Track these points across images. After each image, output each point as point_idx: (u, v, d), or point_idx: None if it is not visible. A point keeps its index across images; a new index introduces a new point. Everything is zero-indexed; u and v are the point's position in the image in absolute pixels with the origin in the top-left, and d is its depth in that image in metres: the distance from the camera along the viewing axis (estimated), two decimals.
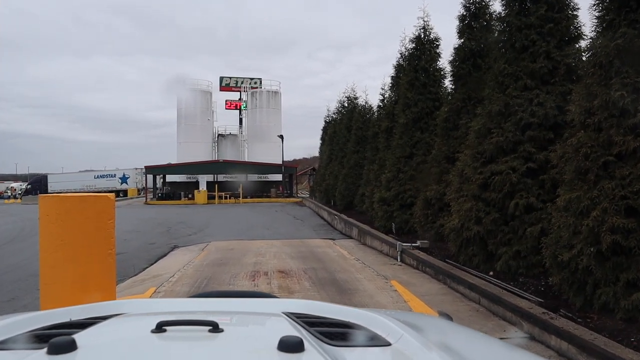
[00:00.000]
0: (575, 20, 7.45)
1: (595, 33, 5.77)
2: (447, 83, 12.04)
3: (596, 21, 5.71)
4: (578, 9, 7.48)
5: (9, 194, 56.23)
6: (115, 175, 55.33)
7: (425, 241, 10.28)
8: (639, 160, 4.85)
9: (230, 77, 56.02)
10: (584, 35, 7.31)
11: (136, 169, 54.77)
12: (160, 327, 1.26)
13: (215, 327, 1.25)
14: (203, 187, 41.66)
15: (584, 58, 6.76)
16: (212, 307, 1.79)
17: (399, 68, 14.95)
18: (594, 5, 5.70)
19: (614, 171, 5.02)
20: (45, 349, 1.08)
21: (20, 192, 57.42)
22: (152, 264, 11.27)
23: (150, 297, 7.47)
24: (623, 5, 5.34)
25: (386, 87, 16.37)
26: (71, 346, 1.08)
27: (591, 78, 5.57)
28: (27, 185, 59.64)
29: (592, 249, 4.92)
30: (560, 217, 5.51)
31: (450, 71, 10.56)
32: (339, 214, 19.00)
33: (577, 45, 7.41)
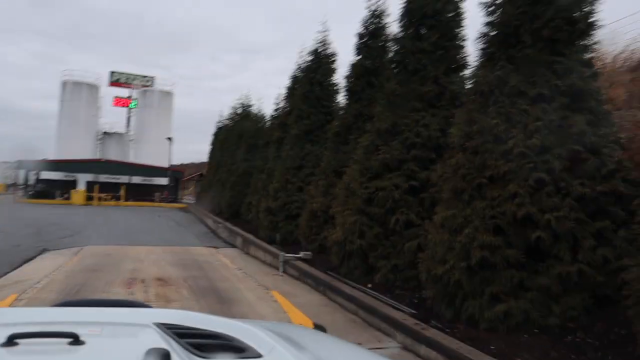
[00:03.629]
0: (462, 50, 7.95)
1: (478, 63, 6.19)
2: (341, 98, 12.34)
3: (480, 52, 6.13)
4: (466, 39, 8.00)
5: None
6: None
7: (309, 252, 10.35)
8: (508, 183, 5.23)
9: (121, 73, 53.52)
10: (469, 64, 7.82)
11: (6, 162, 50.21)
12: (11, 340, 1.14)
13: (75, 340, 1.17)
14: (82, 186, 39.11)
15: (467, 86, 7.22)
16: (75, 317, 1.64)
17: (295, 80, 15.09)
18: (479, 38, 6.13)
19: (486, 192, 5.37)
20: None
21: None
22: (15, 268, 10.24)
23: (10, 305, 6.77)
24: (503, 41, 5.78)
25: (281, 97, 16.45)
26: None
27: (472, 104, 5.95)
28: None
29: (463, 264, 5.21)
30: (436, 233, 5.79)
31: (345, 86, 10.82)
32: (224, 222, 18.68)
33: (461, 73, 7.90)
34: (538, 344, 4.69)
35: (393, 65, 8.41)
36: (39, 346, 1.17)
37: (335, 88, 12.80)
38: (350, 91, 10.57)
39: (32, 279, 8.86)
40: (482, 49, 6.12)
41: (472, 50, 7.67)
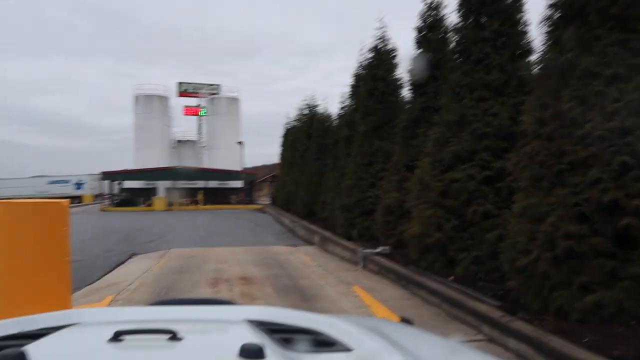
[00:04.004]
0: (526, 35, 7.78)
1: (544, 47, 6.05)
2: (406, 92, 12.30)
3: (545, 36, 5.99)
4: (529, 24, 7.82)
5: None
6: (69, 181, 53.80)
7: (387, 247, 10.42)
8: (589, 168, 5.09)
9: (188, 83, 55.40)
10: (534, 49, 7.64)
11: (92, 174, 53.32)
12: (117, 337, 1.24)
13: (174, 336, 1.24)
14: (162, 193, 40.94)
15: (534, 71, 7.06)
16: (171, 315, 1.76)
17: (358, 77, 15.15)
18: (543, 21, 5.98)
19: (567, 179, 5.26)
20: None
21: None
22: (109, 272, 11.03)
23: (109, 305, 7.34)
24: (569, 22, 5.63)
25: (346, 96, 16.55)
26: (21, 358, 1.06)
27: (542, 90, 5.82)
28: None
29: (548, 254, 5.12)
30: (517, 223, 5.72)
31: (409, 81, 10.79)
32: (300, 221, 19.02)
33: (527, 59, 7.72)
34: (636, 336, 4.49)
35: (456, 56, 8.34)
36: (142, 342, 1.26)
37: (399, 83, 12.76)
38: (415, 85, 10.53)
39: (125, 281, 9.50)
40: (548, 33, 5.96)
41: (536, 35, 7.49)
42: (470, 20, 8.01)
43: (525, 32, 7.78)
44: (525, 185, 5.76)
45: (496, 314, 5.48)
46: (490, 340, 5.35)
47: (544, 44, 6.05)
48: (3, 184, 54.06)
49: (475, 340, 5.38)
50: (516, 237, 5.67)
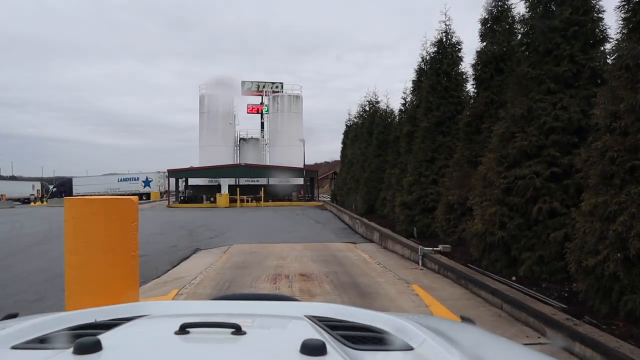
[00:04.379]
0: (600, 23, 7.36)
1: (621, 35, 5.69)
2: (469, 87, 12.00)
3: (622, 22, 5.63)
4: (603, 11, 7.38)
5: (35, 196, 57.37)
6: (138, 179, 56.16)
7: (447, 245, 10.21)
8: None
9: (251, 82, 56.40)
10: (610, 38, 7.22)
11: (159, 172, 55.49)
12: (183, 329, 1.27)
13: (238, 330, 1.26)
14: (225, 190, 41.95)
15: (609, 61, 6.67)
16: (234, 309, 1.79)
17: (420, 72, 14.91)
18: (620, 7, 5.62)
19: None
20: (71, 349, 1.10)
21: (46, 194, 58.55)
22: (174, 266, 11.39)
23: (173, 299, 7.55)
24: None
25: (408, 91, 16.34)
26: (96, 346, 1.09)
27: (617, 81, 5.49)
28: (53, 188, 60.81)
29: (619, 255, 4.84)
30: (585, 222, 5.44)
31: (473, 75, 10.51)
32: (360, 217, 18.97)
33: (602, 48, 7.31)
34: None
35: (523, 48, 8.02)
36: (207, 335, 1.28)
37: (463, 77, 12.46)
38: (479, 79, 10.25)
39: (189, 276, 9.76)
40: (625, 19, 5.60)
41: (612, 22, 7.06)
42: (538, 9, 7.68)
43: (599, 20, 7.37)
44: (595, 183, 5.47)
45: (561, 316, 5.22)
46: (554, 344, 5.10)
47: (620, 32, 5.69)
48: (78, 181, 57.20)
49: (538, 344, 5.15)
50: (584, 237, 5.39)
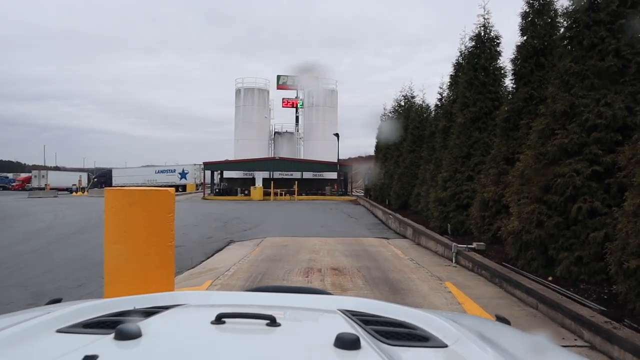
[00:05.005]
0: None
1: None
2: (508, 82, 11.75)
3: None
4: None
5: (76, 186, 59.10)
6: (175, 171, 57.17)
7: (482, 243, 10.06)
8: None
9: (287, 76, 56.60)
10: None
11: (195, 164, 56.37)
12: (219, 319, 1.29)
13: (272, 321, 1.27)
14: (259, 183, 42.30)
15: None
16: (268, 301, 1.81)
17: (458, 67, 14.68)
18: None
19: None
20: (112, 335, 1.13)
21: (87, 185, 60.31)
22: (208, 257, 11.56)
23: (207, 289, 7.65)
24: None
25: (444, 86, 16.12)
26: (137, 333, 1.12)
27: None
28: (94, 178, 62.53)
29: None
30: (628, 222, 5.25)
31: (512, 70, 10.26)
32: (393, 213, 18.86)
33: None
34: None
35: (565, 42, 7.79)
36: (242, 325, 1.30)
37: (501, 72, 12.20)
38: (518, 74, 10.00)
39: (223, 267, 9.89)
40: None
41: None
42: (583, 2, 7.43)
43: None
44: None
45: (600, 319, 5.07)
46: (592, 347, 4.96)
47: None
48: (118, 172, 58.63)
49: (574, 346, 5.02)
50: (627, 238, 5.21)
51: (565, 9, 7.88)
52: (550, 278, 7.11)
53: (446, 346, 1.27)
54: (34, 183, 59.39)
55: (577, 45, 7.45)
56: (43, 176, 60.92)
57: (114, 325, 1.17)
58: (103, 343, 1.11)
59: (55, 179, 61.55)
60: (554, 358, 1.46)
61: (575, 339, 5.24)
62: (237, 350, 1.15)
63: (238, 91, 54.92)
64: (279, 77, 56.38)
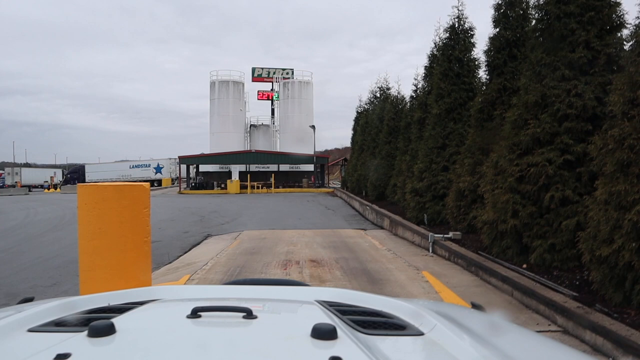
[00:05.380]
0: (617, 8, 7.21)
1: (639, 21, 5.58)
2: (482, 73, 11.87)
3: None
4: None
5: (49, 183, 58.02)
6: (149, 165, 56.52)
7: (458, 233, 10.20)
8: None
9: (262, 68, 56.28)
10: (627, 23, 7.08)
11: (170, 159, 55.80)
12: (195, 313, 1.29)
13: (249, 314, 1.27)
14: (235, 177, 42.14)
15: (626, 47, 6.56)
16: (245, 294, 1.81)
17: (432, 58, 14.78)
18: None
19: None
20: (85, 332, 1.12)
21: (59, 181, 59.25)
22: (186, 252, 11.49)
23: (185, 284, 7.61)
24: None
25: (419, 78, 16.22)
26: (110, 329, 1.12)
27: (635, 67, 5.40)
28: (67, 174, 61.44)
29: (634, 244, 4.79)
30: (599, 210, 5.39)
31: (485, 61, 10.37)
32: (370, 204, 18.97)
33: (618, 34, 7.18)
34: None
35: (537, 34, 7.90)
36: (219, 319, 1.30)
37: (475, 63, 12.32)
38: (491, 65, 10.12)
39: (201, 261, 9.84)
40: None
41: (630, 7, 6.91)
42: None
43: (616, 5, 7.21)
44: (611, 171, 5.39)
45: (572, 304, 5.21)
46: (565, 331, 5.10)
47: (638, 17, 5.59)
48: (91, 168, 57.74)
49: (548, 331, 5.15)
50: (598, 226, 5.34)
51: (537, 1, 7.99)
52: (524, 266, 7.26)
53: (423, 334, 1.28)
54: (8, 181, 58.21)
55: (548, 37, 7.57)
56: (17, 173, 59.76)
57: (87, 323, 1.16)
58: (76, 341, 1.10)
59: (29, 176, 60.42)
60: (528, 342, 1.49)
61: (549, 324, 5.38)
62: (213, 344, 1.15)
63: (212, 84, 54.40)
64: (254, 69, 56.01)
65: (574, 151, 6.90)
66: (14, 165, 68.86)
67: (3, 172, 64.77)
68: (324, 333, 1.10)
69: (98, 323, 1.13)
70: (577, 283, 6.15)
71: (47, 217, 20.77)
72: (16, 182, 56.30)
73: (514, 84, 9.13)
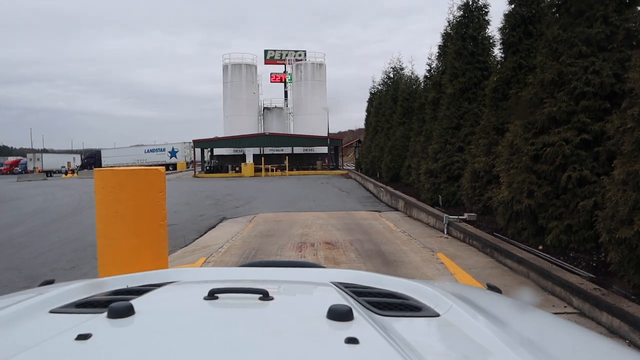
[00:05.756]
0: None
1: None
2: (497, 52, 11.68)
3: None
4: None
5: (66, 168, 58.76)
6: (164, 150, 56.86)
7: (473, 214, 10.13)
8: None
9: (274, 50, 55.97)
10: None
11: (184, 142, 56.07)
12: (212, 295, 1.29)
13: (265, 295, 1.28)
14: (250, 160, 42.20)
15: None
16: (261, 276, 1.81)
17: (446, 37, 14.54)
18: None
19: None
20: (105, 313, 1.14)
21: (76, 166, 59.99)
22: (201, 235, 11.58)
23: (201, 266, 7.67)
24: None
25: (433, 57, 16.00)
26: (129, 311, 1.13)
27: None
28: (84, 160, 62.15)
29: None
30: (617, 190, 5.29)
31: (500, 39, 10.18)
32: (384, 186, 18.92)
33: (638, 8, 6.98)
34: None
35: (553, 10, 7.72)
36: (235, 300, 1.31)
37: (490, 42, 12.10)
38: (506, 43, 9.93)
39: (216, 244, 9.91)
40: None
41: None
42: None
43: None
44: (630, 150, 5.27)
45: (588, 286, 5.15)
46: (581, 313, 5.06)
47: None
48: (107, 153, 58.27)
49: (564, 313, 5.10)
50: (616, 207, 5.25)
51: None
52: (540, 247, 7.20)
53: (438, 315, 1.29)
54: (30, 166, 59.12)
55: (565, 13, 7.39)
56: (38, 159, 60.66)
57: (107, 304, 1.18)
58: (96, 322, 1.12)
59: (50, 162, 61.32)
60: (544, 324, 1.48)
61: (565, 306, 5.33)
62: (230, 325, 1.15)
63: (225, 67, 54.29)
64: (266, 51, 55.74)
65: (591, 130, 6.77)
66: (35, 151, 69.88)
67: (23, 158, 65.75)
68: (340, 314, 1.10)
69: (117, 304, 1.14)
70: (594, 265, 6.08)
71: (65, 201, 21.05)
72: (34, 167, 57.11)
73: (530, 62, 8.97)
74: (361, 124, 34.96)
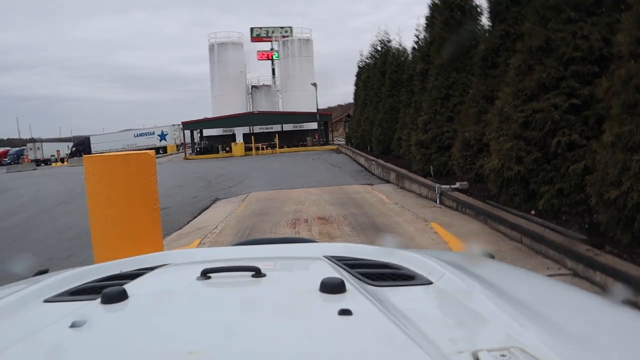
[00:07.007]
0: None
1: None
2: (485, 20, 11.61)
3: None
4: None
5: (56, 157, 58.23)
6: (154, 133, 56.44)
7: (465, 183, 10.20)
8: None
9: (260, 28, 55.34)
10: None
11: (174, 125, 55.65)
12: (205, 274, 1.30)
13: (257, 272, 1.28)
14: (240, 139, 42.03)
15: None
16: (254, 253, 1.81)
17: (433, 7, 14.39)
18: None
19: None
20: (98, 299, 1.14)
21: (65, 155, 59.49)
22: (195, 217, 11.59)
23: (197, 248, 7.70)
24: None
25: (421, 29, 15.86)
26: (122, 295, 1.14)
27: None
28: (72, 147, 61.57)
29: None
30: (606, 153, 5.35)
31: (487, 8, 10.13)
32: (376, 159, 18.96)
33: None
34: None
35: None
36: (228, 279, 1.31)
37: (477, 10, 12.02)
38: (494, 11, 9.86)
39: (210, 225, 9.93)
40: None
41: None
42: None
43: None
44: (618, 113, 5.31)
45: (581, 247, 5.25)
46: (575, 274, 5.16)
47: None
48: (96, 139, 57.72)
49: (558, 275, 5.20)
50: (606, 169, 5.31)
51: None
52: (532, 212, 7.28)
53: (431, 283, 1.29)
54: (31, 156, 58.50)
55: None
56: (38, 148, 60.10)
57: (100, 291, 1.18)
58: (90, 308, 1.12)
59: (50, 150, 60.84)
60: (538, 286, 1.49)
61: (559, 268, 5.43)
62: (223, 303, 1.17)
63: (212, 47, 53.64)
64: (252, 29, 55.07)
65: (580, 94, 6.80)
66: (34, 140, 69.17)
67: (11, 149, 64.97)
68: (332, 287, 1.11)
69: (110, 290, 1.15)
70: (586, 227, 6.17)
71: (57, 190, 20.92)
72: (24, 157, 56.57)
73: (518, 30, 8.92)
74: (350, 99, 34.81)
